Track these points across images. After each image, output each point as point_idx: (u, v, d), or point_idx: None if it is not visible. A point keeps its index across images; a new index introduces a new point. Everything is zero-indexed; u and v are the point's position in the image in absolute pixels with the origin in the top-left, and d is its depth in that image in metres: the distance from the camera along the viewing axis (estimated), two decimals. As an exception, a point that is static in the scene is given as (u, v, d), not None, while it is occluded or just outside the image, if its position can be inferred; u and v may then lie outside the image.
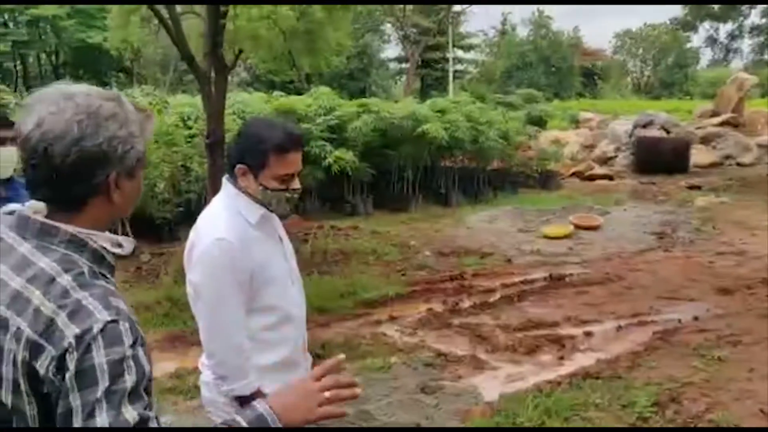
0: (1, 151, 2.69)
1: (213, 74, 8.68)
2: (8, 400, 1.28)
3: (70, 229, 1.34)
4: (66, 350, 1.22)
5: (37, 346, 1.24)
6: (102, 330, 1.24)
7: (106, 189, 1.37)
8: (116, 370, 1.23)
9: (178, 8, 8.57)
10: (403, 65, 51.88)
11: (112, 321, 1.26)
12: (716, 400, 4.48)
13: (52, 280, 1.28)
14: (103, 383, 1.21)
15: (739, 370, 4.97)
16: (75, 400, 1.20)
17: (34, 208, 1.37)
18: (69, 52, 41.90)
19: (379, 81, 53.10)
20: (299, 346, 2.44)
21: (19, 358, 1.25)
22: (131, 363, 1.26)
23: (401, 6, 44.16)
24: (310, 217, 11.24)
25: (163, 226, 9.50)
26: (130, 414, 1.22)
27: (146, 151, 1.46)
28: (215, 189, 9.29)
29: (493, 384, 4.96)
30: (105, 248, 1.39)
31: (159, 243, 9.15)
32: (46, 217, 1.35)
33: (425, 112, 12.37)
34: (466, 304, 6.78)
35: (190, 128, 10.76)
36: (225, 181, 2.34)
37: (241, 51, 9.09)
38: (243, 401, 2.27)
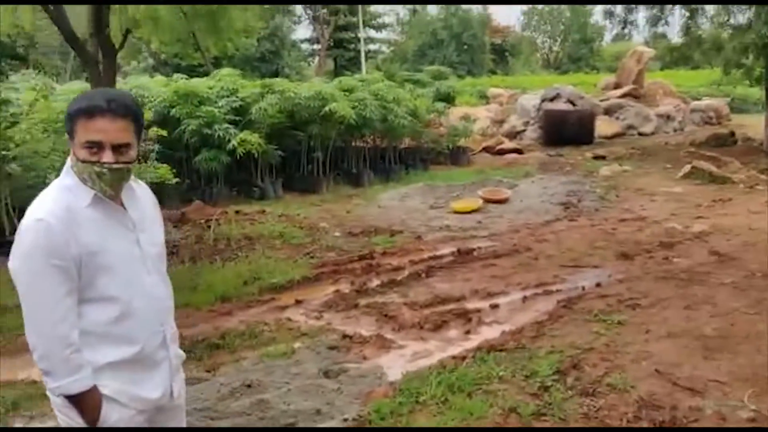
0: None
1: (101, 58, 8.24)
2: None
3: None
4: None
5: None
6: None
7: None
8: None
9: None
10: (315, 46, 51.27)
11: None
12: (615, 363, 4.53)
13: None
14: None
15: (637, 333, 5.06)
16: None
17: None
18: (-45, 40, 39.46)
19: (292, 63, 52.32)
20: (154, 343, 2.21)
21: None
22: None
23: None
24: (217, 203, 10.91)
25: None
26: None
27: None
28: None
29: (399, 363, 4.87)
30: None
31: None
32: None
33: (332, 91, 12.17)
34: (374, 283, 6.67)
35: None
36: (68, 159, 2.12)
37: (128, 31, 8.65)
38: (74, 400, 2.06)
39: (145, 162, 10.09)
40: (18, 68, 37.15)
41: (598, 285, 6.36)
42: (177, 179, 10.51)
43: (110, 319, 2.10)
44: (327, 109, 11.48)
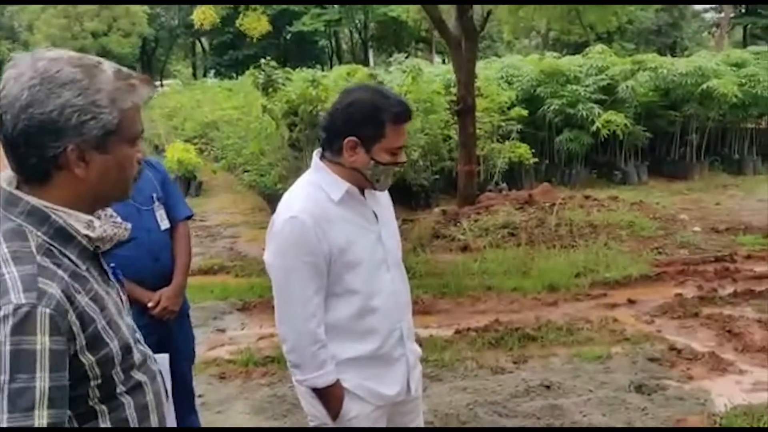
0: None
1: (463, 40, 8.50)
2: None
3: (33, 201, 1.26)
4: None
5: None
6: (12, 314, 1.14)
7: (66, 162, 1.26)
8: (19, 363, 1.12)
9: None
10: (722, 15, 46.40)
11: (26, 305, 1.15)
12: None
13: None
14: (3, 375, 1.12)
15: None
16: None
17: (7, 178, 1.31)
18: (375, 27, 44.86)
19: (692, 35, 48.24)
20: (392, 340, 2.17)
21: None
22: (46, 361, 1.14)
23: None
24: (575, 186, 10.62)
25: (419, 193, 9.67)
26: (38, 420, 1.12)
27: (130, 123, 1.32)
28: (466, 156, 9.16)
29: (732, 391, 4.15)
30: (76, 228, 1.29)
31: (414, 209, 9.34)
32: (16, 188, 1.29)
33: (714, 66, 10.85)
34: (726, 291, 5.80)
35: (454, 95, 10.76)
36: (314, 155, 2.16)
37: (489, 14, 8.78)
38: (319, 393, 2.10)
39: (505, 141, 10.29)
40: (422, 51, 40.88)
41: None
42: (536, 159, 10.53)
43: (353, 314, 2.11)
44: (705, 86, 10.29)
